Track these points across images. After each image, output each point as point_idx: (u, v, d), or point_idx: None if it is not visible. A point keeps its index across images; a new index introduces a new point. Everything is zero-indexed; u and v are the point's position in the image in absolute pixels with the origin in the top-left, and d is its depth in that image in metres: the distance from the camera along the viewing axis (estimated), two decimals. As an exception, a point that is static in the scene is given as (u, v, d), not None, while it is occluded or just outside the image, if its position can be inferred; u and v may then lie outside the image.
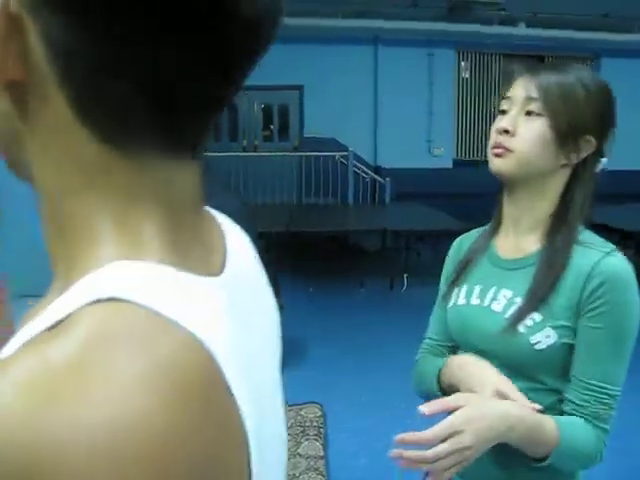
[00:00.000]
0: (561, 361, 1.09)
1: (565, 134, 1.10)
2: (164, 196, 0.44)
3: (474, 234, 1.34)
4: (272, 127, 11.04)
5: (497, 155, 1.15)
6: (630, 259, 1.10)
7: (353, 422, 3.69)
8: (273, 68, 10.17)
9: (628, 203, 9.17)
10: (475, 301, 1.20)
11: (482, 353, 1.15)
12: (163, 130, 0.43)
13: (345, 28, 9.85)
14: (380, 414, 3.74)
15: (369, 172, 9.75)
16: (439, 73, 10.83)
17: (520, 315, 1.10)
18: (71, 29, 0.38)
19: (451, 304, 1.26)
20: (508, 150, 1.13)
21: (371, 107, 10.73)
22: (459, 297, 1.24)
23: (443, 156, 10.94)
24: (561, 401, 1.11)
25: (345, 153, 9.25)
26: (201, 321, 0.37)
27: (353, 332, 5.31)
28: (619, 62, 10.99)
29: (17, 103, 0.42)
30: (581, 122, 1.11)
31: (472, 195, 10.30)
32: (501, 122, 1.15)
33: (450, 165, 11.03)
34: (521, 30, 9.95)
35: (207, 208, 0.57)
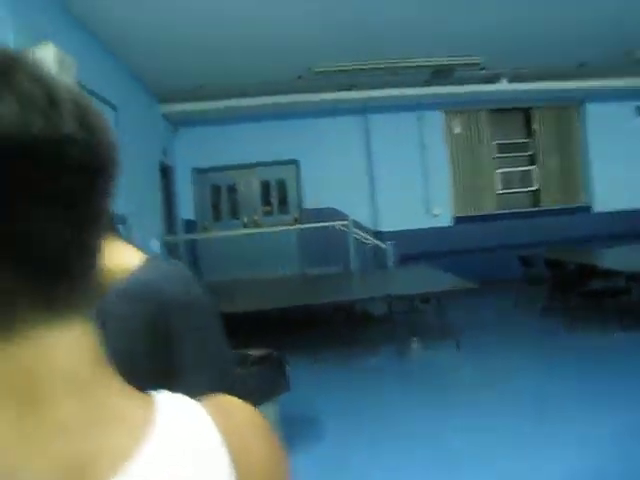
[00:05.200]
0: None
1: None
2: (14, 381, 0.41)
3: None
4: (271, 201, 11.21)
5: None
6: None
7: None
8: (269, 144, 10.46)
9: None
10: None
11: None
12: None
13: (335, 100, 10.12)
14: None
15: (370, 238, 9.81)
16: (430, 134, 11.05)
17: None
18: None
19: None
20: None
21: (367, 173, 10.90)
22: None
23: (442, 215, 11.01)
24: None
25: (345, 222, 9.33)
26: None
27: (368, 403, 5.23)
28: (602, 107, 11.24)
29: None
30: None
31: (474, 251, 10.36)
32: None
33: (450, 223, 11.10)
34: (504, 86, 10.19)
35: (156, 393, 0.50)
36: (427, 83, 10.00)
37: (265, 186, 11.17)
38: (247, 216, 10.99)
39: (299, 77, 9.21)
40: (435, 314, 6.85)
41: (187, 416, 0.49)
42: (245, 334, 4.63)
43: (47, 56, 4.70)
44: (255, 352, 4.31)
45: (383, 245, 9.43)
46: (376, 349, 6.64)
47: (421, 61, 9.00)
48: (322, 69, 8.84)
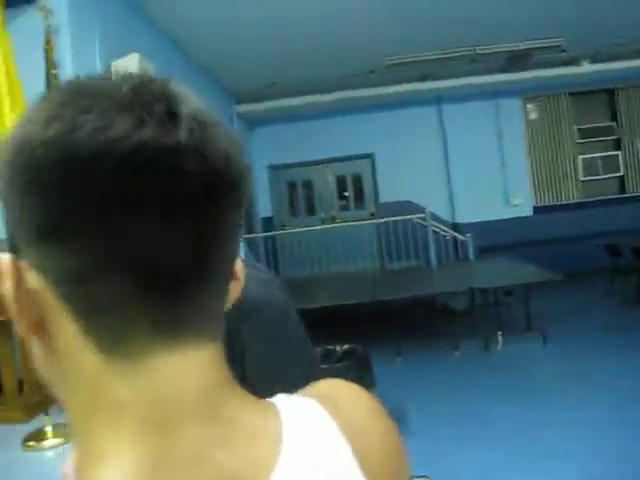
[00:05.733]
0: None
1: None
2: (148, 410, 0.41)
3: None
4: (347, 195, 11.22)
5: None
6: None
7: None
8: (343, 139, 10.48)
9: None
10: None
11: None
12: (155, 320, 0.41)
13: (408, 92, 10.00)
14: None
15: (449, 230, 9.68)
16: (507, 121, 10.76)
17: None
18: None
19: None
20: None
21: (442, 165, 10.74)
22: None
23: (522, 205, 10.71)
24: None
25: (423, 215, 9.23)
26: None
27: (452, 398, 5.18)
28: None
29: (42, 341, 0.43)
30: None
31: (556, 241, 10.02)
32: None
33: (530, 213, 10.78)
34: (586, 68, 9.79)
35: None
36: (503, 70, 9.74)
37: (341, 181, 11.21)
38: (323, 211, 11.06)
39: (371, 72, 9.16)
40: (519, 307, 6.69)
41: (308, 416, 0.48)
42: (325, 329, 4.67)
43: (132, 65, 4.88)
44: (339, 347, 4.34)
45: (462, 237, 9.28)
46: (459, 343, 6.55)
47: (497, 47, 8.76)
48: (394, 62, 8.75)
